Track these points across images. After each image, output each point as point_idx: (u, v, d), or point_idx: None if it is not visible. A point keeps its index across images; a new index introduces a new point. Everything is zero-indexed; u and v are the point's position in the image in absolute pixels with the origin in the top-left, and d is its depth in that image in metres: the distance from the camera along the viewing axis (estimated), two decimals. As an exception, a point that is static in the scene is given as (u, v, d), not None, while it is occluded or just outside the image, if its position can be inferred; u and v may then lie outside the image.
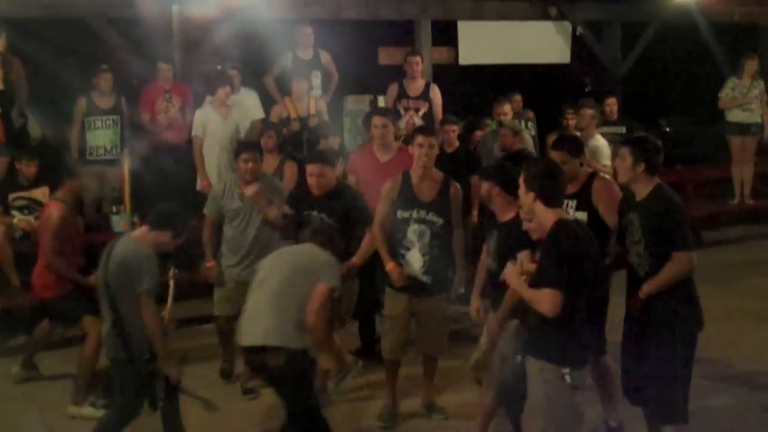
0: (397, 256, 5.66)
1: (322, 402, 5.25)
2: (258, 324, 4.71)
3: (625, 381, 4.99)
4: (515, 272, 4.25)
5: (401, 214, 5.66)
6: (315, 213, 5.95)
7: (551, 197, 4.16)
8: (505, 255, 4.64)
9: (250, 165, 6.38)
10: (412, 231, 5.62)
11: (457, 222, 5.75)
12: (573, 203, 5.18)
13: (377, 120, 6.83)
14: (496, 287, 4.89)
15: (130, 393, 4.94)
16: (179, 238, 5.15)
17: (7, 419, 6.04)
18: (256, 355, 4.73)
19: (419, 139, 5.67)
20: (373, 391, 6.22)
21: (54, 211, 6.24)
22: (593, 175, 5.36)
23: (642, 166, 4.69)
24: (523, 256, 4.42)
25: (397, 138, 7.46)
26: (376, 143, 6.82)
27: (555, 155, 5.21)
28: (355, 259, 5.95)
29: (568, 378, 4.07)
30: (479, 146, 8.81)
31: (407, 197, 5.66)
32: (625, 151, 4.75)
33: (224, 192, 6.49)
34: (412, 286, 5.66)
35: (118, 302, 4.89)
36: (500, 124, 8.57)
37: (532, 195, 4.16)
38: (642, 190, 4.77)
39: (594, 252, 4.19)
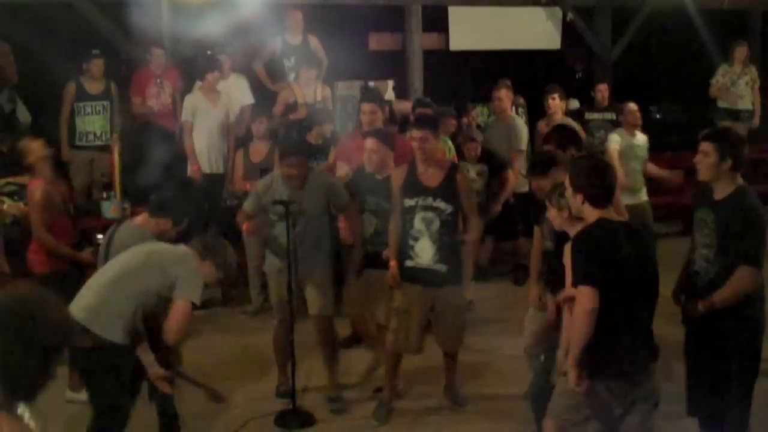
0: (407, 249, 5.52)
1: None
2: (82, 300, 4.50)
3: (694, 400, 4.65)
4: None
5: (407, 202, 5.54)
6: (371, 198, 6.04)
7: (600, 198, 3.95)
8: (562, 235, 4.48)
9: (294, 171, 5.71)
10: (420, 219, 5.47)
11: (469, 209, 5.63)
12: None
13: (366, 107, 6.75)
14: (552, 270, 4.78)
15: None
16: (179, 225, 5.14)
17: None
18: None
19: (413, 132, 5.65)
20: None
21: (35, 187, 6.17)
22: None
23: (729, 163, 4.28)
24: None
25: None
26: (365, 130, 6.72)
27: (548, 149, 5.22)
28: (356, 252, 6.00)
29: (603, 391, 3.87)
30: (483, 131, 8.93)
31: (412, 184, 5.56)
32: (709, 147, 4.32)
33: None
34: (426, 277, 5.49)
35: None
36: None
37: (580, 197, 3.97)
38: (724, 188, 4.35)
39: (643, 256, 3.91)
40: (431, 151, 5.58)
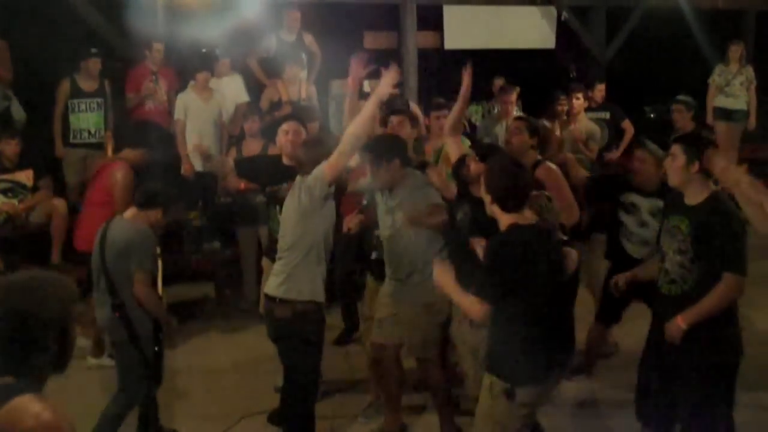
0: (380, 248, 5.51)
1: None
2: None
3: (645, 405, 4.64)
4: (445, 272, 4.07)
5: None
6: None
7: (510, 202, 3.92)
8: None
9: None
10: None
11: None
12: None
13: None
14: None
15: (137, 374, 4.99)
16: (168, 214, 5.24)
17: None
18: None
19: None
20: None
21: (119, 169, 6.46)
22: (538, 163, 5.42)
23: (696, 166, 4.20)
24: (477, 244, 4.35)
25: None
26: None
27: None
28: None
29: (517, 395, 3.87)
30: (479, 131, 8.91)
31: None
32: (677, 150, 4.26)
33: None
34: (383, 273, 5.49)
35: (120, 286, 4.96)
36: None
37: (489, 198, 3.99)
38: (696, 193, 4.26)
39: (554, 261, 3.96)
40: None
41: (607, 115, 9.63)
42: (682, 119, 7.99)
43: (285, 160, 5.84)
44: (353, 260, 6.66)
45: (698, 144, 4.29)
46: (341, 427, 5.61)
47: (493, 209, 3.96)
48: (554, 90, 9.39)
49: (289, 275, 4.75)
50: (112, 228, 5.07)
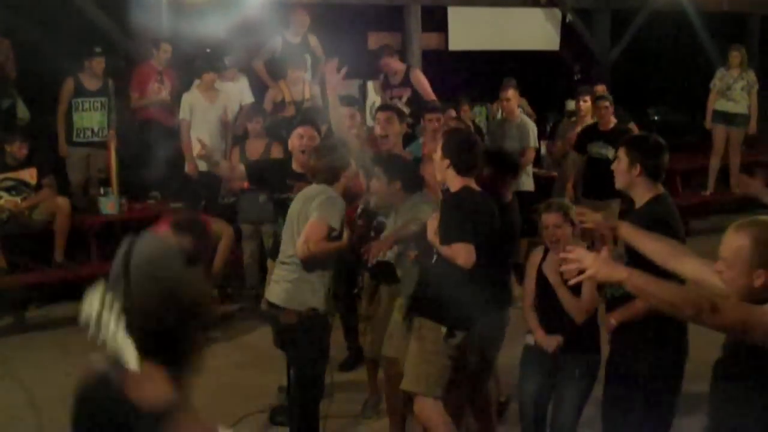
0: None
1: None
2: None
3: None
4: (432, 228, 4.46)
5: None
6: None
7: (464, 168, 4.48)
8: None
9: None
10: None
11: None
12: None
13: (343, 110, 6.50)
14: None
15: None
16: (197, 246, 5.18)
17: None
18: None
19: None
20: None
21: None
22: None
23: (638, 169, 4.13)
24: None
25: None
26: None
27: None
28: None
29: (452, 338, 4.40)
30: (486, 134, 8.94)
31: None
32: (621, 152, 4.24)
33: None
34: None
35: None
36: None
37: (446, 162, 4.49)
38: (640, 197, 4.20)
39: (495, 216, 4.52)
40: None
41: (611, 117, 9.61)
42: (607, 114, 8.44)
43: (295, 166, 5.79)
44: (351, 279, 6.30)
45: (641, 147, 4.21)
46: (342, 427, 5.61)
47: (447, 173, 4.51)
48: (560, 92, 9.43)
49: (291, 284, 4.75)
50: (139, 244, 5.00)
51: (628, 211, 4.50)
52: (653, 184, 4.16)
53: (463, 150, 4.52)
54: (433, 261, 4.47)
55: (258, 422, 5.62)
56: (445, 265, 4.35)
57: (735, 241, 2.92)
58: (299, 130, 5.93)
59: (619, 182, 4.26)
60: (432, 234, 4.45)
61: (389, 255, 5.23)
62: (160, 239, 2.32)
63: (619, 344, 4.19)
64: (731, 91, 10.51)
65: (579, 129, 8.88)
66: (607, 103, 8.44)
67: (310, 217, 4.69)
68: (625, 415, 4.09)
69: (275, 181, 5.80)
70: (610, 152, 8.22)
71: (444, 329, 4.41)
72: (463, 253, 4.24)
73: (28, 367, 6.59)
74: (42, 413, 5.78)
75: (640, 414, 4.05)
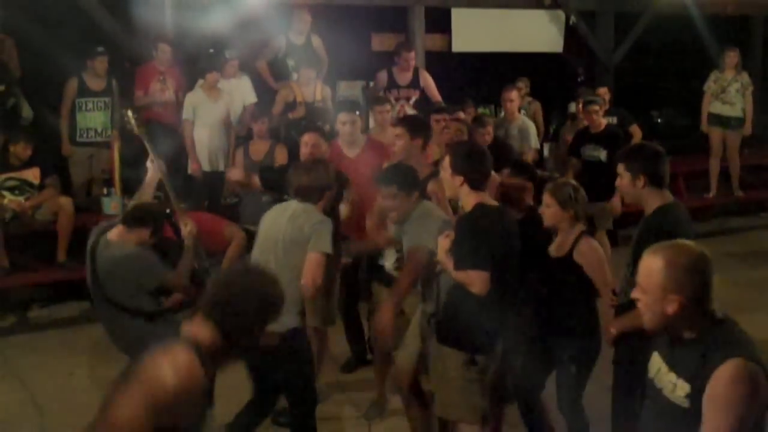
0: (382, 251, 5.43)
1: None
2: None
3: None
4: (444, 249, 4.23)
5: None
6: None
7: (478, 182, 4.23)
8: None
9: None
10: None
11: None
12: None
13: (344, 116, 6.51)
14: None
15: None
16: (157, 234, 5.14)
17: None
18: None
19: (395, 130, 5.71)
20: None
21: None
22: None
23: (642, 181, 4.06)
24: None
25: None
26: (343, 140, 6.55)
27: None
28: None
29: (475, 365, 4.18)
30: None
31: None
32: (620, 168, 4.15)
33: None
34: (390, 281, 5.33)
35: (121, 299, 4.90)
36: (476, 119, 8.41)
37: (459, 179, 4.21)
38: (650, 206, 4.11)
39: (513, 234, 4.26)
40: (413, 150, 5.58)
41: (614, 120, 9.61)
42: (597, 117, 8.51)
43: None
44: (353, 285, 6.35)
45: (640, 157, 4.14)
46: (346, 428, 5.61)
47: (461, 191, 4.23)
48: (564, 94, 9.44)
49: None
50: (101, 251, 4.94)
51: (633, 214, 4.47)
52: (660, 192, 4.11)
53: (474, 163, 4.24)
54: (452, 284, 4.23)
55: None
56: (462, 289, 4.14)
57: (649, 265, 2.81)
58: (305, 138, 5.95)
59: (627, 198, 4.27)
60: (443, 254, 4.22)
61: (391, 262, 5.24)
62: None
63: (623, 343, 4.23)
64: (726, 93, 10.51)
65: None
66: (596, 107, 8.50)
67: (302, 244, 4.54)
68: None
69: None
70: (602, 154, 8.28)
71: (464, 356, 4.21)
72: (477, 282, 4.06)
73: (30, 367, 6.59)
74: (45, 413, 5.79)
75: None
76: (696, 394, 2.70)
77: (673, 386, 2.83)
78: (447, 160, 4.28)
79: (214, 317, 2.86)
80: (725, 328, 2.76)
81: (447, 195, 4.45)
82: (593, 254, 4.50)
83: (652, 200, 4.09)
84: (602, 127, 8.52)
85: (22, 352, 6.87)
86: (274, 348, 4.49)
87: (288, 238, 4.61)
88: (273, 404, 5.11)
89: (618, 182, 4.20)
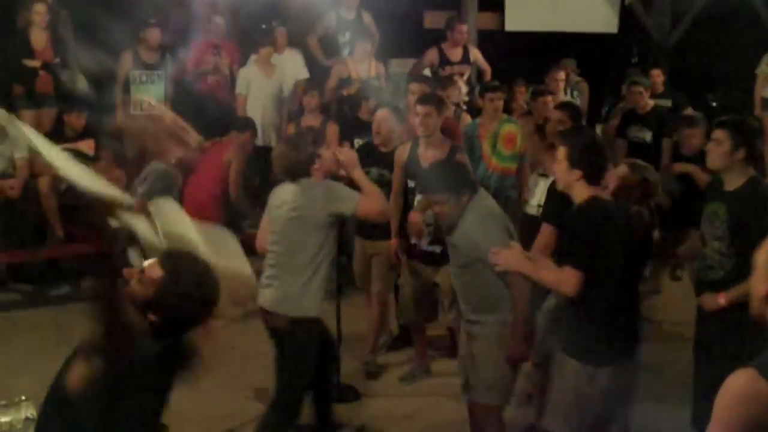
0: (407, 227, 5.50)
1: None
2: None
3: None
4: (515, 253, 3.87)
5: (410, 183, 5.61)
6: (374, 169, 5.83)
7: (597, 176, 3.84)
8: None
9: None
10: (417, 201, 5.45)
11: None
12: None
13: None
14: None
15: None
16: None
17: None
18: None
19: (417, 108, 5.61)
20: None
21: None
22: None
23: (742, 153, 4.17)
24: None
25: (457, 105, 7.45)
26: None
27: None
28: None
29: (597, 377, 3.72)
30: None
31: (412, 165, 5.56)
32: (722, 135, 4.19)
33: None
34: (425, 257, 5.58)
35: None
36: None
37: (577, 173, 3.78)
38: (735, 179, 4.23)
39: (629, 230, 3.82)
40: (433, 129, 5.55)
41: (668, 102, 9.45)
42: (642, 98, 8.40)
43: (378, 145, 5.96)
44: None
45: (744, 131, 4.24)
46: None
47: (577, 185, 3.79)
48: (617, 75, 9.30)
49: (282, 287, 4.56)
50: None
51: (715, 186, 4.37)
52: (748, 167, 4.22)
53: (593, 156, 3.84)
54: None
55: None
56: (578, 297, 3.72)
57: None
58: (377, 114, 6.06)
59: (717, 164, 4.26)
60: (518, 262, 3.86)
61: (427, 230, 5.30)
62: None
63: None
64: None
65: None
66: (641, 88, 8.38)
67: (315, 221, 4.50)
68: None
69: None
70: (647, 135, 8.17)
71: (584, 368, 3.77)
72: (570, 281, 3.66)
73: (83, 335, 6.66)
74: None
75: None
76: None
77: None
78: (562, 152, 3.86)
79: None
80: None
81: (559, 187, 3.99)
82: None
83: (740, 173, 4.21)
84: (648, 108, 8.40)
85: (76, 320, 6.95)
86: (279, 330, 4.55)
87: (314, 219, 4.53)
88: (327, 381, 5.05)
89: (712, 147, 4.24)
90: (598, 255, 3.63)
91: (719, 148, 4.21)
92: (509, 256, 3.84)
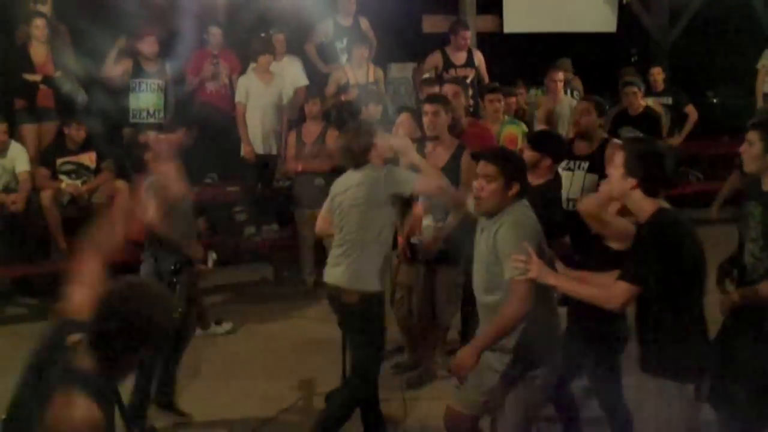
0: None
1: None
2: None
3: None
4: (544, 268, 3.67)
5: None
6: None
7: (656, 187, 3.56)
8: None
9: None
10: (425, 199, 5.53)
11: (461, 192, 5.10)
12: (585, 165, 5.37)
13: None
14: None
15: None
16: None
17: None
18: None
19: (425, 107, 5.70)
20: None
21: None
22: (607, 141, 5.46)
23: None
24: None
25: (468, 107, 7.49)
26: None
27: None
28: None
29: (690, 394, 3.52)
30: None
31: None
32: (754, 136, 4.10)
33: None
34: (425, 255, 5.63)
35: None
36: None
37: (632, 182, 3.54)
38: None
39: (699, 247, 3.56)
40: (441, 127, 5.63)
41: (669, 100, 9.46)
42: (635, 99, 8.47)
43: None
44: None
45: None
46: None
47: (632, 195, 3.55)
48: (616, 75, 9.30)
49: (352, 265, 4.79)
50: None
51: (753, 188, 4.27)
52: None
53: (653, 164, 3.55)
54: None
55: (315, 403, 5.64)
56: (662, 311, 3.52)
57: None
58: (400, 117, 6.01)
59: (752, 166, 4.15)
60: (551, 275, 3.69)
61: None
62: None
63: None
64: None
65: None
66: (634, 89, 8.42)
67: (381, 203, 4.77)
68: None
69: None
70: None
71: (689, 387, 3.54)
72: (619, 295, 3.46)
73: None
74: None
75: None
76: None
77: None
78: (619, 157, 3.61)
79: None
80: None
81: (614, 195, 3.74)
82: None
83: None
84: (640, 109, 8.44)
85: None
86: (352, 305, 4.77)
87: (375, 203, 4.78)
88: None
89: (745, 148, 4.13)
90: (682, 270, 3.45)
91: (752, 150, 4.11)
92: (540, 266, 3.67)
